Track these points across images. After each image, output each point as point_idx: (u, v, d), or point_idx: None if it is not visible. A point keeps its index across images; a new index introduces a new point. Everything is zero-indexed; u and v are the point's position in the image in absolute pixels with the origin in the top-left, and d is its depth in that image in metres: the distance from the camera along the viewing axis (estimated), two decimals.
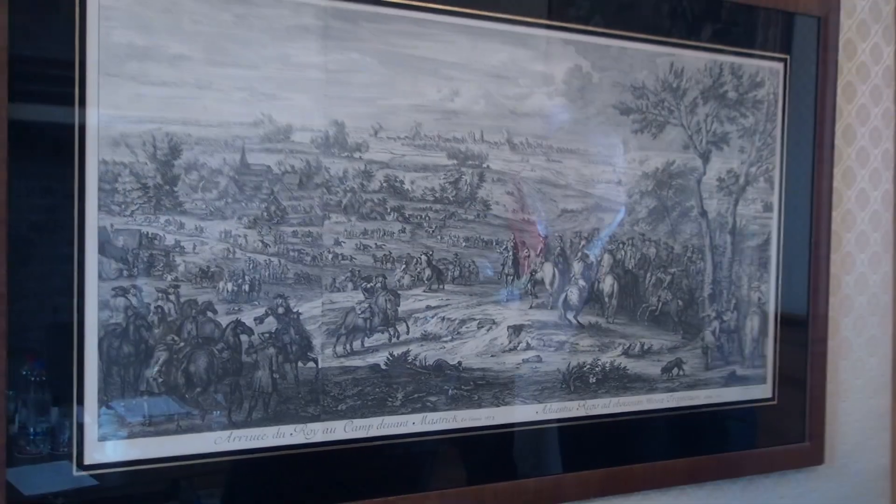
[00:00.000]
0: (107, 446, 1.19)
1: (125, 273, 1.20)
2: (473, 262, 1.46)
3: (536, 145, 1.50)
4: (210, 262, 1.25)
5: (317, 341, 1.33)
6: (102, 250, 1.18)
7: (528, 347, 1.52)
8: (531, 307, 1.52)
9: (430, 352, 1.43)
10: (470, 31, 1.42)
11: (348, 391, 1.36)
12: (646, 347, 1.64)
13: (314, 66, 1.31)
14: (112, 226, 1.19)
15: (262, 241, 1.29)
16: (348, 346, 1.36)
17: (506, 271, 1.49)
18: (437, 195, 1.42)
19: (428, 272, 1.42)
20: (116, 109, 1.18)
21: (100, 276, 1.18)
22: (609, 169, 1.58)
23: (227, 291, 1.26)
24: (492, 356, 1.48)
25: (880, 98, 1.96)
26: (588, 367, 1.58)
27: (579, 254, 1.57)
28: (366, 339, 1.38)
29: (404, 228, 1.39)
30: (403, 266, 1.40)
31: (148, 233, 1.21)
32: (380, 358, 1.39)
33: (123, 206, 1.19)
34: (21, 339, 1.14)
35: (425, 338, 1.42)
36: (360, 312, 1.37)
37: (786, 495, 1.86)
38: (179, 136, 1.22)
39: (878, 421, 2.02)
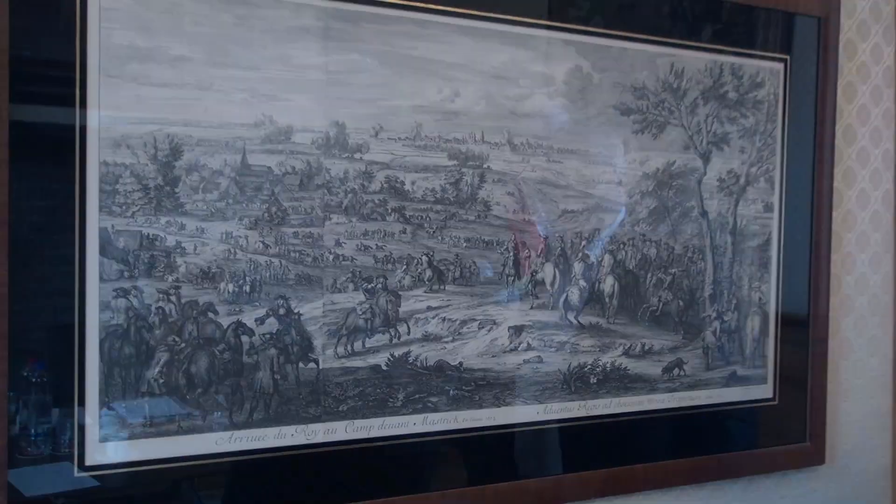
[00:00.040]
0: (108, 447, 1.20)
1: (126, 274, 1.20)
2: (474, 262, 1.46)
3: (537, 146, 1.50)
4: (211, 263, 1.25)
5: (318, 342, 1.33)
6: (103, 251, 1.19)
7: (529, 348, 1.52)
8: (532, 308, 1.52)
9: (431, 352, 1.43)
10: (470, 31, 1.42)
11: (349, 392, 1.36)
12: (646, 348, 1.64)
13: (315, 67, 1.31)
14: (113, 227, 1.19)
15: (263, 242, 1.29)
16: (349, 347, 1.36)
17: (506, 272, 1.49)
18: (437, 196, 1.42)
19: (429, 273, 1.42)
20: (117, 111, 1.18)
21: (101, 278, 1.18)
22: (609, 169, 1.58)
23: (228, 292, 1.26)
24: (493, 357, 1.48)
25: (881, 98, 1.96)
26: (589, 367, 1.58)
27: (580, 254, 1.57)
28: (367, 339, 1.38)
29: (405, 229, 1.40)
30: (404, 267, 1.40)
31: (149, 234, 1.21)
32: (381, 359, 1.39)
33: (124, 208, 1.20)
34: (22, 340, 1.15)
35: (426, 338, 1.42)
36: (361, 313, 1.37)
37: (787, 495, 1.86)
38: (180, 137, 1.22)
39: (879, 421, 2.02)
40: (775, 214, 1.78)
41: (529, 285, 1.52)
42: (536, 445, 1.55)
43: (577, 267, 1.57)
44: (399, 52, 1.37)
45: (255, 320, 1.28)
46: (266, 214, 1.29)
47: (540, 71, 1.49)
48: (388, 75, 1.36)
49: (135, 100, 1.19)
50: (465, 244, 1.45)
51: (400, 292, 1.40)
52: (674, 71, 1.63)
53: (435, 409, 1.43)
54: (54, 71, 1.16)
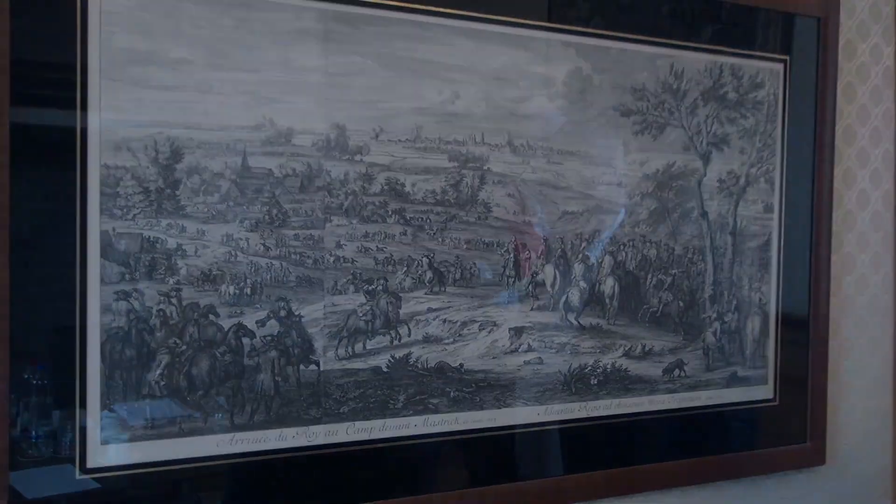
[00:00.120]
0: (109, 449, 1.20)
1: (127, 277, 1.20)
2: (475, 264, 1.46)
3: (537, 147, 1.50)
4: (212, 265, 1.25)
5: (318, 344, 1.34)
6: (104, 254, 1.19)
7: (530, 349, 1.52)
8: (532, 309, 1.52)
9: (432, 354, 1.43)
10: (470, 33, 1.42)
11: (350, 394, 1.36)
12: (647, 349, 1.64)
13: (315, 69, 1.31)
14: (114, 229, 1.19)
15: (264, 245, 1.29)
16: (350, 349, 1.36)
17: (507, 273, 1.49)
18: (438, 197, 1.42)
19: (429, 274, 1.42)
20: (118, 113, 1.18)
21: (102, 280, 1.18)
22: (610, 171, 1.58)
23: (229, 295, 1.27)
24: (493, 358, 1.48)
25: (880, 98, 1.96)
26: (589, 368, 1.58)
27: (580, 255, 1.57)
28: (367, 341, 1.38)
29: (405, 231, 1.40)
30: (405, 268, 1.40)
31: (150, 236, 1.21)
32: (381, 360, 1.39)
33: (125, 210, 1.20)
34: (23, 342, 1.15)
35: (427, 340, 1.42)
36: (361, 315, 1.37)
37: (787, 496, 1.86)
38: (181, 139, 1.22)
39: (880, 421, 2.02)
40: (775, 215, 1.78)
41: (530, 287, 1.52)
42: (537, 447, 1.55)
43: (578, 268, 1.57)
44: (399, 55, 1.37)
45: (256, 322, 1.29)
46: (267, 217, 1.29)
47: (540, 72, 1.49)
48: (388, 77, 1.36)
49: (135, 102, 1.19)
50: (465, 246, 1.45)
51: (400, 294, 1.40)
52: (673, 72, 1.64)
53: (436, 411, 1.43)
54: (55, 74, 1.16)
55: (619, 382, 1.61)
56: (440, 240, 1.43)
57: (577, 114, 1.53)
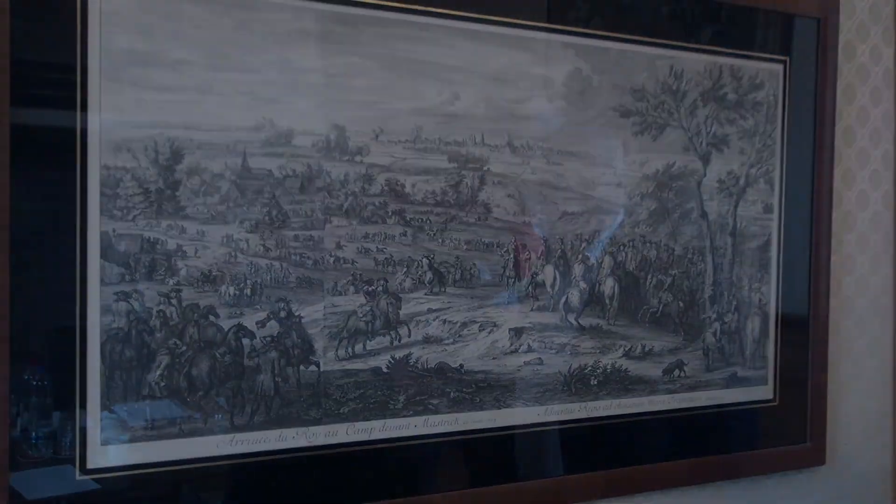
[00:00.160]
0: (109, 450, 1.20)
1: (127, 277, 1.20)
2: (475, 264, 1.46)
3: (537, 148, 1.50)
4: (212, 266, 1.25)
5: (319, 345, 1.34)
6: (104, 255, 1.19)
7: (530, 350, 1.52)
8: (532, 309, 1.53)
9: (432, 354, 1.43)
10: (470, 34, 1.42)
11: (350, 394, 1.36)
12: (647, 349, 1.64)
13: (315, 70, 1.31)
14: (114, 230, 1.19)
15: (264, 245, 1.29)
16: (350, 350, 1.36)
17: (507, 274, 1.49)
18: (438, 198, 1.42)
19: (429, 275, 1.42)
20: (118, 114, 1.18)
21: (102, 281, 1.19)
22: (609, 171, 1.58)
23: (229, 295, 1.27)
24: (493, 359, 1.49)
25: (880, 99, 1.96)
26: (589, 369, 1.58)
27: (580, 256, 1.57)
28: (367, 342, 1.38)
29: (405, 232, 1.40)
30: (405, 269, 1.40)
31: (150, 237, 1.21)
32: (381, 361, 1.39)
33: (125, 211, 1.20)
34: (23, 343, 1.15)
35: (427, 341, 1.43)
36: (361, 316, 1.37)
37: (787, 496, 1.86)
38: (181, 140, 1.22)
39: (880, 421, 2.02)
40: (775, 215, 1.79)
41: (530, 287, 1.52)
42: (537, 447, 1.55)
43: (578, 269, 1.57)
44: (399, 55, 1.37)
45: (256, 323, 1.29)
46: (267, 217, 1.29)
47: (539, 73, 1.49)
48: (388, 78, 1.36)
49: (135, 103, 1.19)
50: (465, 246, 1.45)
51: (400, 295, 1.40)
52: (673, 73, 1.64)
53: (436, 411, 1.43)
54: (55, 74, 1.16)
55: (619, 383, 1.61)
56: (440, 240, 1.43)
57: (577, 114, 1.54)
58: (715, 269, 1.72)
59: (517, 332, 1.51)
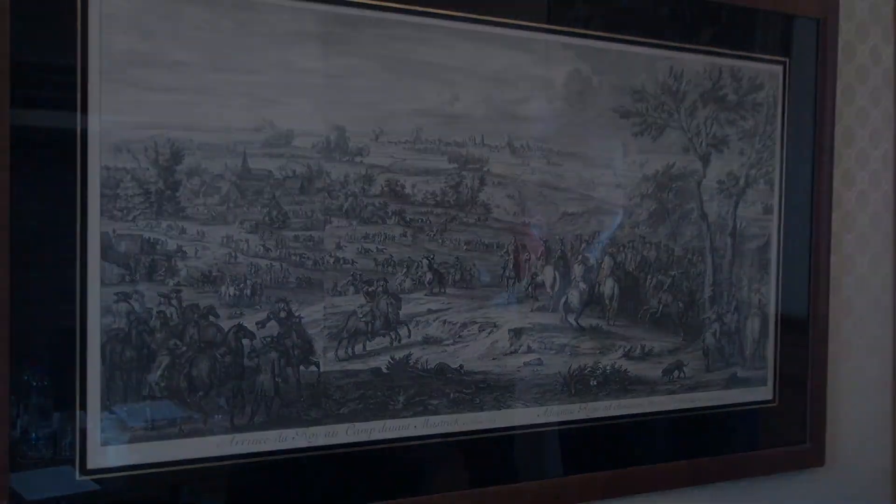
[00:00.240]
0: (109, 451, 1.20)
1: (127, 278, 1.20)
2: (474, 265, 1.46)
3: (537, 149, 1.50)
4: (212, 266, 1.25)
5: (318, 345, 1.34)
6: (105, 256, 1.19)
7: (529, 350, 1.52)
8: (532, 310, 1.53)
9: (432, 355, 1.43)
10: (470, 35, 1.42)
11: (350, 395, 1.36)
12: (647, 350, 1.64)
13: (315, 71, 1.31)
14: (114, 231, 1.19)
15: (264, 246, 1.29)
16: (350, 350, 1.36)
17: (507, 274, 1.49)
18: (438, 199, 1.42)
19: (429, 276, 1.42)
20: (118, 115, 1.19)
21: (102, 282, 1.19)
22: (609, 172, 1.58)
23: (229, 296, 1.27)
24: (493, 359, 1.49)
25: (880, 100, 1.96)
26: (589, 369, 1.58)
27: (580, 257, 1.57)
28: (367, 342, 1.38)
29: (405, 232, 1.40)
30: (405, 270, 1.40)
31: (150, 238, 1.22)
32: (381, 361, 1.39)
33: (125, 212, 1.20)
34: (23, 343, 1.15)
35: (426, 341, 1.43)
36: (361, 316, 1.37)
37: (787, 497, 1.86)
38: (181, 141, 1.22)
39: (880, 422, 2.03)
40: (775, 216, 1.79)
41: (529, 288, 1.52)
42: (537, 448, 1.55)
43: (577, 269, 1.57)
44: (399, 56, 1.37)
45: (256, 324, 1.29)
46: (267, 218, 1.29)
47: (539, 74, 1.49)
48: (388, 79, 1.36)
49: (136, 104, 1.20)
50: (465, 247, 1.45)
51: (400, 295, 1.40)
52: (673, 73, 1.64)
53: (435, 412, 1.43)
54: (55, 76, 1.16)
55: (619, 383, 1.61)
56: (440, 241, 1.43)
57: (577, 115, 1.54)
58: (715, 270, 1.72)
59: (517, 332, 1.51)
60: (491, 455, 1.50)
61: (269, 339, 1.30)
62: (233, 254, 1.27)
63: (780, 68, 1.77)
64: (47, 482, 1.17)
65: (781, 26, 1.77)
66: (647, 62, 1.61)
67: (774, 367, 1.80)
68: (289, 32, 1.29)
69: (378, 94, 1.36)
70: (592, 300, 1.59)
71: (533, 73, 1.49)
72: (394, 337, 1.40)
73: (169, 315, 1.23)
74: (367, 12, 1.34)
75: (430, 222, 1.42)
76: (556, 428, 1.56)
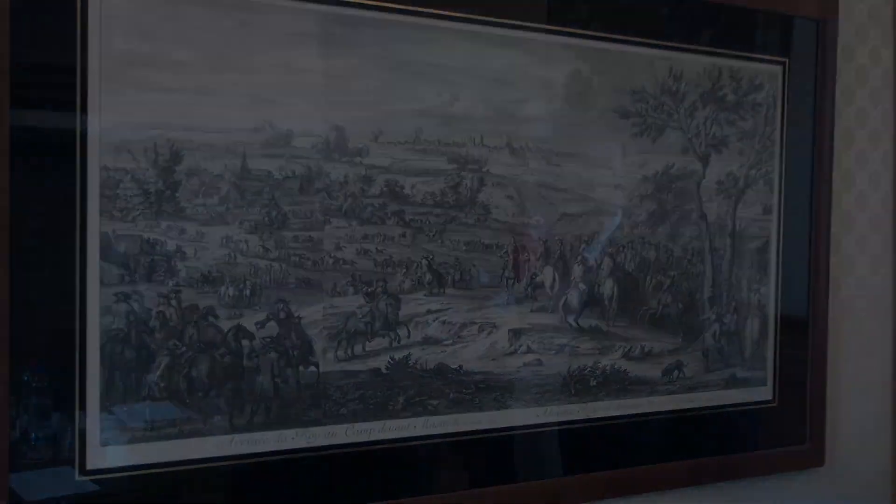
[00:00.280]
0: (108, 451, 1.20)
1: (127, 278, 1.20)
2: (474, 265, 1.46)
3: (536, 149, 1.50)
4: (211, 267, 1.25)
5: (318, 346, 1.34)
6: (104, 256, 1.19)
7: (529, 351, 1.52)
8: (531, 311, 1.53)
9: (431, 356, 1.43)
10: (469, 36, 1.42)
11: (350, 395, 1.36)
12: (646, 350, 1.64)
13: (315, 71, 1.31)
14: (114, 231, 1.19)
15: (264, 246, 1.29)
16: (349, 351, 1.36)
17: (506, 275, 1.49)
18: (437, 199, 1.42)
19: (428, 276, 1.42)
20: (118, 116, 1.18)
21: (101, 282, 1.19)
22: (609, 172, 1.58)
23: (229, 296, 1.27)
24: (492, 360, 1.49)
25: (879, 101, 1.96)
26: (588, 370, 1.58)
27: (579, 257, 1.57)
28: (367, 343, 1.38)
29: (405, 233, 1.40)
30: (404, 270, 1.40)
31: (149, 238, 1.22)
32: (381, 362, 1.39)
33: (125, 212, 1.20)
34: (23, 344, 1.15)
35: (426, 342, 1.43)
36: (361, 317, 1.37)
37: (786, 497, 1.86)
38: (181, 142, 1.22)
39: (879, 423, 2.03)
40: (774, 217, 1.79)
41: (529, 288, 1.52)
42: (536, 448, 1.55)
43: (577, 270, 1.57)
44: (398, 57, 1.37)
45: (256, 324, 1.29)
46: (266, 219, 1.29)
47: (539, 74, 1.49)
48: (387, 79, 1.36)
49: (135, 105, 1.20)
50: (464, 247, 1.45)
51: (400, 296, 1.40)
52: (672, 74, 1.64)
53: (435, 412, 1.43)
54: (55, 76, 1.16)
55: (619, 384, 1.61)
56: (439, 241, 1.43)
57: (577, 116, 1.54)
58: (714, 271, 1.72)
59: (516, 333, 1.51)
60: (491, 455, 1.50)
61: (268, 340, 1.29)
62: (232, 254, 1.27)
63: (779, 69, 1.77)
64: (47, 482, 1.17)
65: (781, 27, 1.77)
66: (647, 63, 1.61)
67: (774, 367, 1.80)
68: (289, 33, 1.29)
69: (378, 94, 1.36)
70: (592, 301, 1.59)
71: (532, 74, 1.49)
72: (393, 337, 1.40)
73: (168, 315, 1.23)
74: (367, 13, 1.34)
75: (430, 223, 1.42)
76: (556, 428, 1.56)
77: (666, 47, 1.63)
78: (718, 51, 1.69)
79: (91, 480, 1.19)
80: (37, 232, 1.16)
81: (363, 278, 1.37)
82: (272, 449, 1.30)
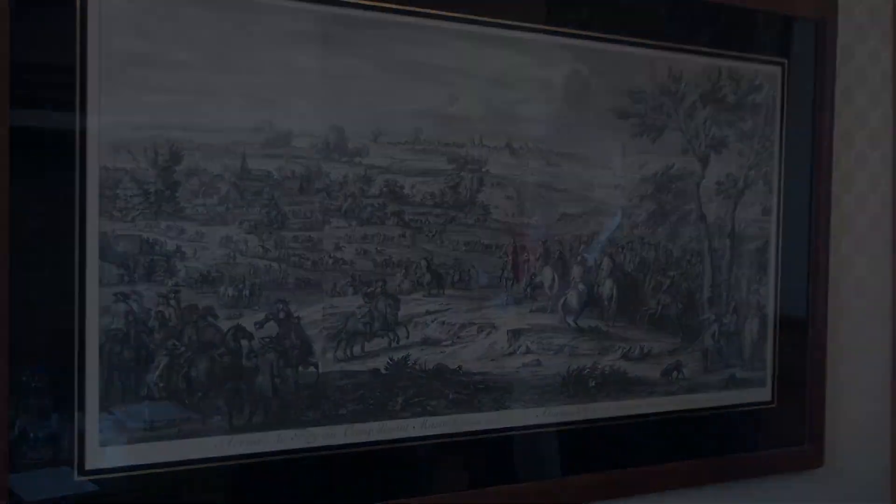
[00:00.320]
0: (108, 451, 1.20)
1: (126, 278, 1.20)
2: (473, 266, 1.46)
3: (535, 150, 1.50)
4: (211, 267, 1.25)
5: (317, 346, 1.34)
6: (103, 256, 1.19)
7: (528, 351, 1.52)
8: (530, 311, 1.53)
9: (430, 356, 1.43)
10: (469, 36, 1.43)
11: (349, 395, 1.36)
12: (645, 351, 1.64)
13: (314, 71, 1.31)
14: (113, 231, 1.19)
15: (263, 247, 1.29)
16: (349, 351, 1.36)
17: (505, 275, 1.49)
18: (436, 200, 1.42)
19: (428, 277, 1.42)
20: (117, 116, 1.19)
21: (101, 282, 1.19)
22: (608, 173, 1.58)
23: (228, 296, 1.27)
24: (491, 360, 1.49)
25: (878, 101, 1.96)
26: (588, 370, 1.58)
27: (578, 258, 1.57)
28: (366, 343, 1.38)
29: (404, 233, 1.40)
30: (403, 270, 1.40)
31: (149, 238, 1.22)
32: (380, 362, 1.39)
33: (124, 212, 1.20)
34: (22, 344, 1.15)
35: (425, 342, 1.43)
36: (360, 317, 1.37)
37: (785, 498, 1.86)
38: (180, 141, 1.22)
39: (878, 423, 2.03)
40: (773, 217, 1.79)
41: (528, 289, 1.52)
42: (535, 449, 1.55)
43: (576, 270, 1.57)
44: (398, 57, 1.37)
45: (255, 324, 1.29)
46: (266, 219, 1.29)
47: (538, 75, 1.50)
48: (387, 80, 1.36)
49: (135, 105, 1.20)
50: (464, 248, 1.45)
51: (399, 296, 1.40)
52: (671, 75, 1.64)
53: (434, 413, 1.43)
54: (55, 76, 1.17)
55: (618, 384, 1.61)
56: (439, 242, 1.43)
57: (576, 116, 1.54)
58: (713, 271, 1.72)
59: (515, 333, 1.51)
60: (490, 456, 1.50)
61: (267, 340, 1.29)
62: (231, 254, 1.27)
63: (778, 69, 1.77)
64: (46, 483, 1.17)
65: (780, 27, 1.77)
66: (646, 63, 1.61)
67: (773, 368, 1.80)
68: (288, 33, 1.29)
69: (377, 94, 1.36)
70: (591, 301, 1.59)
71: (532, 74, 1.49)
72: (392, 338, 1.40)
73: (167, 315, 1.23)
74: (366, 13, 1.34)
75: (429, 223, 1.42)
76: (555, 429, 1.56)
77: (665, 48, 1.63)
78: (718, 51, 1.69)
79: (90, 480, 1.19)
80: (36, 232, 1.16)
81: (362, 278, 1.37)
82: (271, 449, 1.30)
